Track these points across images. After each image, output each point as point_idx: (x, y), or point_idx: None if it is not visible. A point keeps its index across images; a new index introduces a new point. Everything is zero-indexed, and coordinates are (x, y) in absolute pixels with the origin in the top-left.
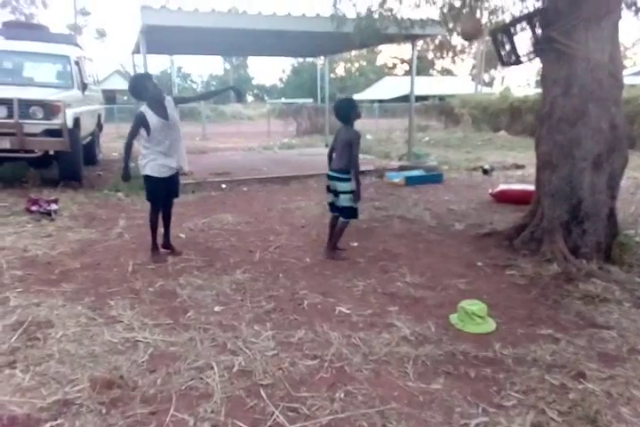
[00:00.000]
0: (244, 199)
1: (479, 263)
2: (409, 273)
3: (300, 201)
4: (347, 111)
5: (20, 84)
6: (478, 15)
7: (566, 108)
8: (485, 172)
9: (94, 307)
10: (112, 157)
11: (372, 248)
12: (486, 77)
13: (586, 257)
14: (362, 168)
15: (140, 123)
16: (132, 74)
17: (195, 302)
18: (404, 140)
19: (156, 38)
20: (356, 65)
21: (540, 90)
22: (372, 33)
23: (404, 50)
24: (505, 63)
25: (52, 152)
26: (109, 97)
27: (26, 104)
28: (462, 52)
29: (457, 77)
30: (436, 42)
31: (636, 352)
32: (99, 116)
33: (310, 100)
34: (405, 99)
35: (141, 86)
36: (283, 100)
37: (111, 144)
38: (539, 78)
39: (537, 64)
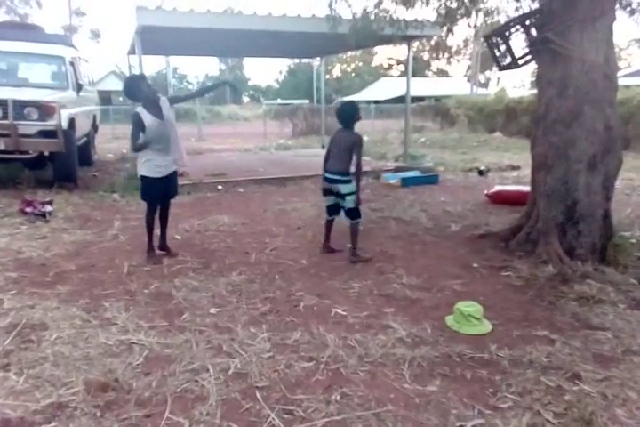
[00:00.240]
0: (239, 200)
1: (475, 265)
2: (405, 275)
3: (296, 202)
4: (351, 114)
5: (14, 85)
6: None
7: (561, 109)
8: (481, 173)
9: (89, 309)
10: (107, 159)
11: (368, 250)
12: (482, 78)
13: (581, 258)
14: None
15: (137, 123)
16: (128, 75)
17: (190, 303)
18: (399, 141)
19: (152, 39)
20: (352, 66)
21: (535, 91)
22: (367, 34)
23: (400, 51)
24: (502, 67)
25: (46, 153)
26: (105, 98)
27: (20, 105)
28: (458, 53)
29: (452, 78)
30: (432, 43)
31: (631, 353)
32: (94, 117)
33: (306, 102)
34: (401, 100)
35: (135, 87)
36: (279, 101)
37: (106, 145)
38: (534, 79)
39: (532, 66)
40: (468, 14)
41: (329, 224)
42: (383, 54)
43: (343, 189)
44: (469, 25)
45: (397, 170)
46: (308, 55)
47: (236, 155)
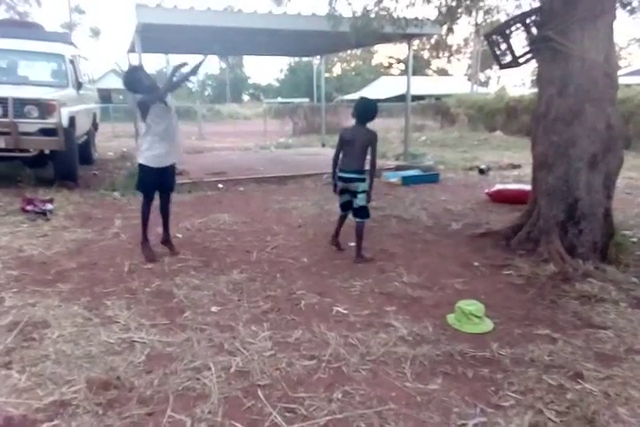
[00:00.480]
0: (240, 199)
1: (476, 263)
2: (406, 273)
3: (297, 201)
4: (374, 112)
5: (14, 83)
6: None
7: (562, 107)
8: (482, 171)
9: (90, 307)
10: (107, 157)
11: (370, 248)
12: (482, 77)
13: (582, 257)
14: None
15: (145, 106)
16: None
17: (191, 302)
18: (400, 139)
19: (152, 37)
20: (352, 64)
21: (535, 90)
22: (368, 32)
23: (400, 50)
24: (502, 66)
25: (47, 151)
26: (105, 96)
27: (21, 103)
28: (458, 51)
29: (453, 77)
30: (432, 41)
31: (633, 352)
32: (94, 116)
33: (307, 100)
34: (401, 98)
35: (134, 79)
36: (279, 99)
37: (106, 143)
38: (534, 78)
39: (533, 64)
40: (468, 12)
41: (342, 220)
42: (383, 53)
43: (360, 187)
44: (470, 23)
45: (398, 168)
46: (309, 53)
47: (236, 153)
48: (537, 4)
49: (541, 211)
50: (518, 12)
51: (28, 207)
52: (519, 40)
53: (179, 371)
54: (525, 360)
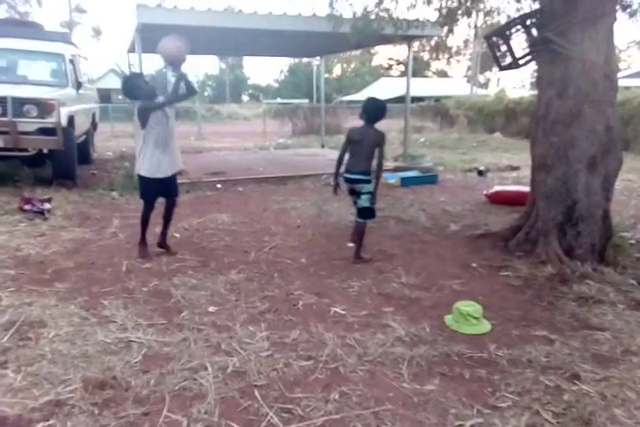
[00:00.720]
0: (239, 199)
1: (474, 264)
2: (404, 274)
3: (296, 201)
4: (384, 112)
5: (13, 82)
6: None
7: (561, 109)
8: (480, 173)
9: (87, 307)
10: (106, 157)
11: (368, 249)
12: (481, 79)
13: (580, 259)
14: None
15: (145, 114)
16: (127, 73)
17: (189, 302)
18: (399, 141)
19: (152, 37)
20: (352, 66)
21: (535, 91)
22: (368, 33)
23: (400, 51)
24: (502, 68)
25: (45, 151)
26: (104, 96)
27: (20, 102)
28: (458, 53)
29: (452, 79)
30: (432, 43)
31: (630, 354)
32: (93, 115)
33: (306, 101)
34: (401, 100)
35: (133, 85)
36: (278, 100)
37: (105, 143)
38: (534, 80)
39: (533, 66)
40: (468, 14)
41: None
42: (383, 54)
43: (365, 188)
44: (470, 25)
45: (397, 170)
46: (309, 54)
47: (235, 154)
48: (537, 6)
49: (540, 212)
50: (518, 13)
51: (26, 207)
52: (519, 42)
53: (175, 371)
54: (522, 361)
